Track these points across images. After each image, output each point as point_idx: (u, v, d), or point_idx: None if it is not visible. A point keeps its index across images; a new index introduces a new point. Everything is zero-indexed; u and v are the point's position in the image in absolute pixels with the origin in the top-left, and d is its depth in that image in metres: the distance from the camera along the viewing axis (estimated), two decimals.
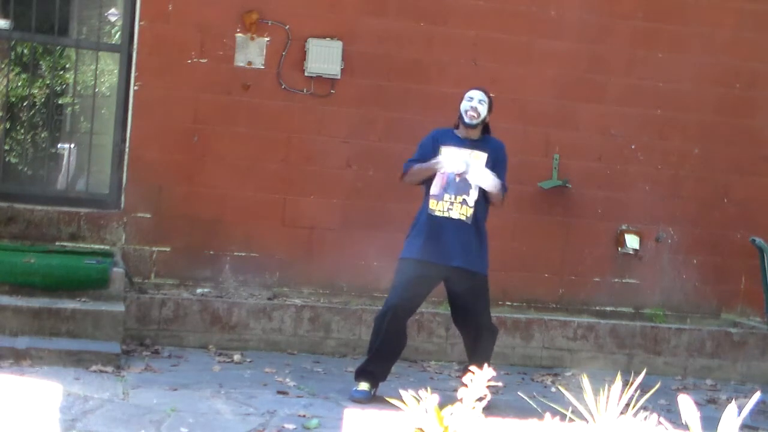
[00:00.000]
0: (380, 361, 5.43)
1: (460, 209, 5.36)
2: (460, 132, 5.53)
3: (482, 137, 5.55)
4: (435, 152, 5.49)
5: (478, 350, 5.47)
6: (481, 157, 5.44)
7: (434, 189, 5.41)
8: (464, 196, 5.37)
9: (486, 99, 5.52)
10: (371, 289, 7.13)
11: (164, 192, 6.90)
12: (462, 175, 5.33)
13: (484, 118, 5.52)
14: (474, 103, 5.47)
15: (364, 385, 5.34)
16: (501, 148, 5.59)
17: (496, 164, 5.50)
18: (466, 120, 5.46)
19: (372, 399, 5.28)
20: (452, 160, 5.36)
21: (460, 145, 5.46)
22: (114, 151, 6.99)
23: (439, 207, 5.37)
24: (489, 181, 5.35)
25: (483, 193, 5.42)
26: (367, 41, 7.17)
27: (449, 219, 5.35)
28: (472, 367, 5.36)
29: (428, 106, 7.14)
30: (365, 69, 7.16)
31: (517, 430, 4.81)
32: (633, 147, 7.63)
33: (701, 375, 7.16)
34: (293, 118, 7.09)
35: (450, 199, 5.37)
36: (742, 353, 7.26)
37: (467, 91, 5.56)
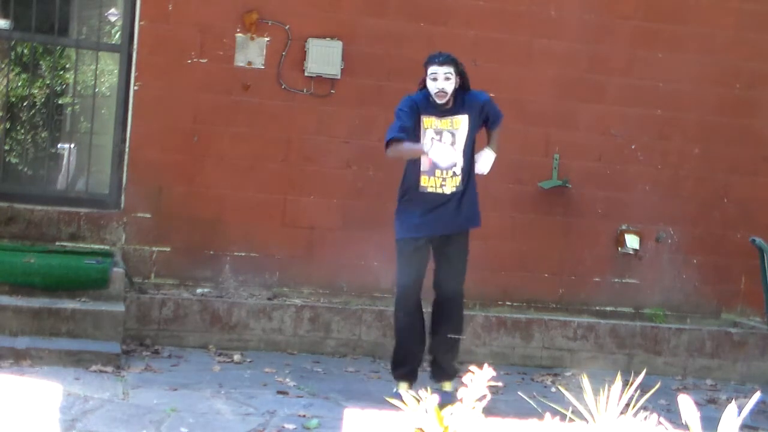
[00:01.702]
0: (408, 345, 5.43)
1: (451, 182, 5.32)
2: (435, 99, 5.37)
3: (459, 98, 5.36)
4: (417, 121, 5.33)
5: (452, 315, 5.46)
6: (463, 120, 5.34)
7: (424, 165, 5.31)
8: (453, 168, 5.31)
9: (452, 70, 5.27)
10: (371, 289, 7.13)
11: (164, 192, 6.90)
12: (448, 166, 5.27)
13: (455, 88, 5.32)
14: (439, 84, 5.25)
15: (403, 386, 5.37)
16: (479, 99, 5.43)
17: (482, 113, 5.41)
18: (437, 101, 5.29)
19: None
20: (442, 155, 5.15)
21: (439, 115, 5.32)
22: (114, 151, 6.99)
23: (431, 183, 5.32)
24: (490, 163, 5.48)
25: (469, 158, 5.40)
26: (367, 41, 7.17)
27: (443, 195, 5.32)
28: (450, 341, 5.41)
29: None
30: (365, 69, 7.16)
31: (517, 430, 4.81)
32: (633, 147, 7.63)
33: (701, 375, 7.16)
34: (293, 118, 7.09)
35: (442, 174, 5.31)
36: (742, 353, 7.26)
37: (428, 65, 5.29)
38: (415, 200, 5.36)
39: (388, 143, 5.28)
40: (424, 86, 5.36)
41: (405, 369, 5.44)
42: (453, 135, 5.34)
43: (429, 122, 5.33)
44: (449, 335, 5.44)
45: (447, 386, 5.44)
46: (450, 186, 5.33)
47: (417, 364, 5.48)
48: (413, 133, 5.31)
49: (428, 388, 5.14)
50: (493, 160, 5.51)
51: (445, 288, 5.47)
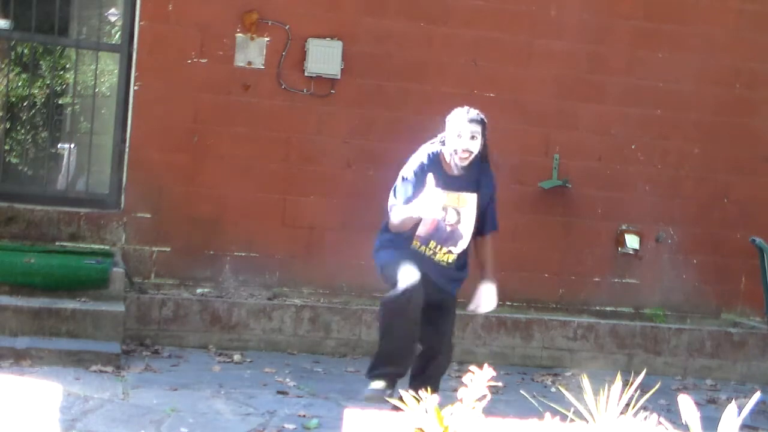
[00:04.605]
0: (400, 354, 4.69)
1: (444, 257, 4.75)
2: (447, 165, 4.70)
3: (473, 169, 4.74)
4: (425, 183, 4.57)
5: (429, 369, 4.83)
6: (470, 199, 4.72)
7: (421, 231, 4.69)
8: (451, 248, 4.74)
9: (479, 130, 4.65)
10: (371, 289, 7.11)
11: (164, 192, 6.90)
12: (452, 224, 4.65)
13: (479, 152, 4.70)
14: (465, 143, 4.62)
15: (379, 384, 4.69)
16: (492, 183, 4.86)
17: (486, 203, 4.81)
18: (456, 162, 4.65)
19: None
20: (433, 206, 4.45)
21: (446, 186, 4.62)
22: (114, 151, 6.99)
23: (422, 249, 4.73)
24: (495, 297, 4.81)
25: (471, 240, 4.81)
26: (367, 41, 7.17)
27: (431, 259, 4.73)
28: (419, 389, 4.55)
29: (428, 106, 7.13)
30: (365, 69, 7.16)
31: (517, 430, 4.80)
32: (633, 147, 7.63)
33: (701, 375, 7.16)
34: (293, 118, 7.09)
35: (434, 248, 4.72)
36: (742, 353, 7.26)
37: (457, 121, 4.64)
38: (404, 249, 4.73)
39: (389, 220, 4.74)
40: (441, 142, 4.76)
41: (387, 374, 4.67)
42: (458, 214, 4.71)
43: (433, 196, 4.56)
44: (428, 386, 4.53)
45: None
46: (440, 258, 4.74)
47: (402, 373, 4.75)
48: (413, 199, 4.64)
49: (428, 388, 5.14)
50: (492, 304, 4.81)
51: (433, 346, 4.81)
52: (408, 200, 4.61)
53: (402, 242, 4.74)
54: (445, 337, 4.84)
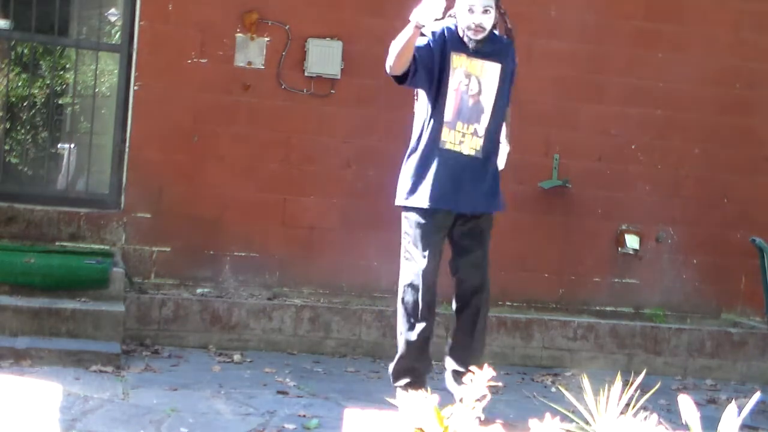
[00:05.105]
0: (417, 355, 4.66)
1: (470, 142, 4.53)
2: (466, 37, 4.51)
3: (493, 41, 4.61)
4: (443, 57, 4.48)
5: (470, 307, 4.70)
6: (493, 69, 4.62)
7: (448, 114, 4.50)
8: (475, 125, 4.54)
9: (492, 4, 4.46)
10: (371, 289, 7.13)
11: (164, 192, 6.90)
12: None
13: (494, 26, 4.52)
14: (478, 18, 4.43)
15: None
16: (513, 53, 4.76)
17: (507, 78, 4.70)
18: (471, 36, 4.46)
19: None
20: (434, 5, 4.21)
21: (469, 54, 4.54)
22: (114, 151, 6.99)
23: (450, 138, 4.50)
24: (505, 159, 4.75)
25: (497, 121, 4.67)
26: (367, 41, 7.16)
27: (459, 155, 4.52)
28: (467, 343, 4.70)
29: None
30: (365, 69, 7.15)
31: (517, 431, 4.80)
32: (633, 147, 7.63)
33: (701, 375, 7.15)
34: (293, 118, 7.09)
35: (462, 129, 4.52)
36: (742, 353, 7.26)
37: None
38: (430, 160, 4.52)
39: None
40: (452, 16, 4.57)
41: (411, 379, 4.68)
42: (479, 84, 4.57)
43: (459, 61, 4.51)
44: (470, 343, 4.71)
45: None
46: (468, 146, 4.53)
47: (426, 374, 4.77)
48: (428, 66, 4.49)
49: (428, 388, 5.14)
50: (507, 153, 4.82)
51: (470, 282, 4.66)
52: (419, 48, 4.38)
53: (432, 149, 4.51)
54: (481, 269, 4.67)
